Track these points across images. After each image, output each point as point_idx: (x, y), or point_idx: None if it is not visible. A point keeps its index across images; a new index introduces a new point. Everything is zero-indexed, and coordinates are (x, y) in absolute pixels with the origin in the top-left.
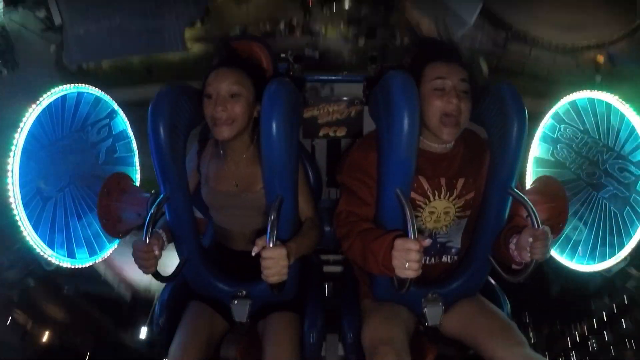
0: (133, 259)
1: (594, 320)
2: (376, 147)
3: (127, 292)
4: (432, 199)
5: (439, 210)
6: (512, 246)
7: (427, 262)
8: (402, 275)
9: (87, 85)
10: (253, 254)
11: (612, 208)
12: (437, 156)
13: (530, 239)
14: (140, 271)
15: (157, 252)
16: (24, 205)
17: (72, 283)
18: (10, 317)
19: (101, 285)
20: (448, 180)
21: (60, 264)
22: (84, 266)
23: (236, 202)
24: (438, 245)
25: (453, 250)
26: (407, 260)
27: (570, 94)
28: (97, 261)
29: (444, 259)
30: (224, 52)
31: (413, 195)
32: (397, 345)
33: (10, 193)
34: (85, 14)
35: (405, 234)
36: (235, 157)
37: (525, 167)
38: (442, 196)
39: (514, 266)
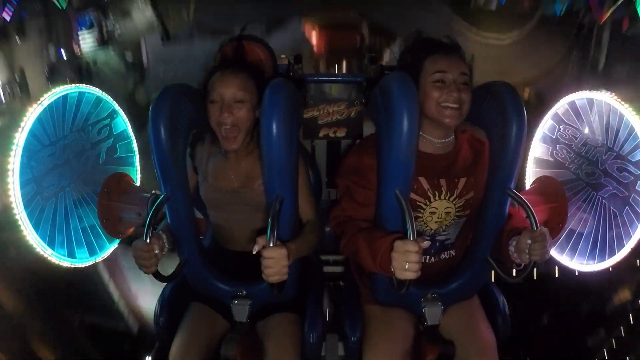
0: (149, 288)
1: None
2: (373, 150)
3: (136, 323)
4: (432, 199)
5: (440, 211)
6: (511, 248)
7: (427, 260)
8: (402, 276)
9: (88, 85)
10: (254, 252)
11: (611, 208)
12: (437, 157)
13: (529, 241)
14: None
15: (157, 252)
16: (24, 205)
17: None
18: None
19: (109, 317)
20: (449, 180)
21: (61, 264)
22: (83, 265)
23: (236, 198)
24: (437, 243)
25: (449, 245)
26: (406, 261)
27: (569, 95)
28: (96, 260)
29: (443, 255)
30: (229, 52)
31: (413, 196)
32: None
33: (11, 192)
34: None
35: (404, 235)
36: (237, 154)
37: (525, 167)
38: (442, 196)
39: (514, 266)
